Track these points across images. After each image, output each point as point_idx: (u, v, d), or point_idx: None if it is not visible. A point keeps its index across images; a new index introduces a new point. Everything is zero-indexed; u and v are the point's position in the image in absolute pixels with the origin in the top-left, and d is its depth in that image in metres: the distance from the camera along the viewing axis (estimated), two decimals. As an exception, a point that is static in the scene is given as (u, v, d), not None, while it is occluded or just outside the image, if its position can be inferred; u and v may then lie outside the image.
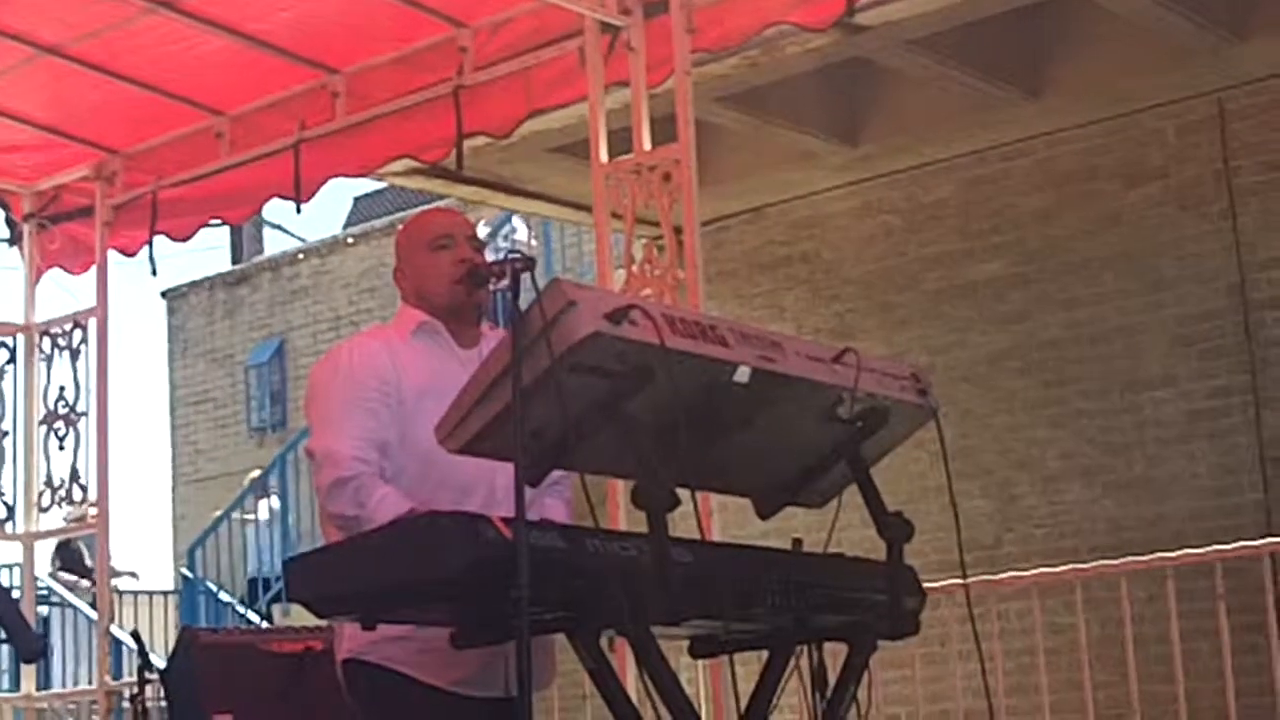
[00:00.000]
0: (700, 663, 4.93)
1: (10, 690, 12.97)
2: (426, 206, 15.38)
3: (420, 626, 3.83)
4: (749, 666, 4.08)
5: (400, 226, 4.63)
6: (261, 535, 16.23)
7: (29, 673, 9.29)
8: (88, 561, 15.49)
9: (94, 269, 8.43)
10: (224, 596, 16.01)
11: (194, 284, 20.46)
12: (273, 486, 16.40)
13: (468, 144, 7.39)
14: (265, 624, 14.72)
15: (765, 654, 4.05)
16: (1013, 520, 10.85)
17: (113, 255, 8.41)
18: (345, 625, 4.04)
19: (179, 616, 16.35)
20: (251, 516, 16.46)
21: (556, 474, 3.83)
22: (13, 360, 8.63)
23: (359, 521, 3.88)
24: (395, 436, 4.05)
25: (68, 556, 16.50)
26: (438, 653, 3.81)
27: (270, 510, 16.30)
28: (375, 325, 4.18)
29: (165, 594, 17.16)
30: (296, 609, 11.48)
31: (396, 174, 10.37)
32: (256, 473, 16.83)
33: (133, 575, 17.16)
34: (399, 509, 3.85)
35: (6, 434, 8.57)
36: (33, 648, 2.90)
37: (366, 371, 4.10)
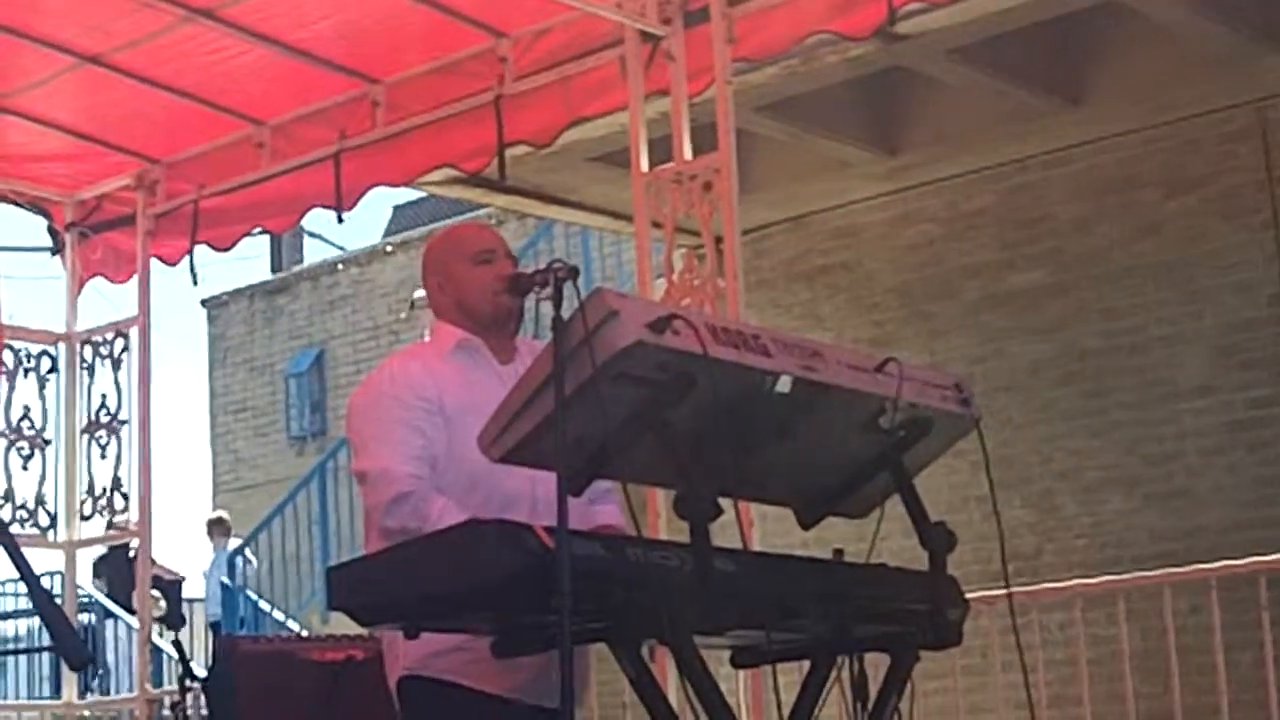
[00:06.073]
0: (741, 672, 4.93)
1: (52, 697, 13.03)
2: (462, 218, 15.42)
3: (472, 638, 3.83)
4: (789, 676, 4.07)
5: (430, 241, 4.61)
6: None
7: (70, 681, 9.33)
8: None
9: (135, 278, 8.47)
10: (263, 605, 16.04)
11: (234, 293, 20.52)
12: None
13: (507, 153, 7.40)
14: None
15: (806, 664, 4.04)
16: (1053, 530, 10.81)
17: (154, 264, 8.44)
18: (397, 645, 4.06)
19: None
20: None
21: (606, 483, 3.82)
22: (55, 369, 8.65)
23: (421, 534, 3.86)
24: (442, 452, 4.06)
25: (105, 571, 16.43)
26: (490, 662, 3.82)
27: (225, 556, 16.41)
28: (413, 345, 4.14)
29: (204, 601, 17.18)
30: (336, 617, 11.48)
31: (436, 183, 10.38)
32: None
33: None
34: (458, 520, 3.83)
35: (49, 443, 8.59)
36: (79, 655, 2.90)
37: (409, 391, 4.12)
